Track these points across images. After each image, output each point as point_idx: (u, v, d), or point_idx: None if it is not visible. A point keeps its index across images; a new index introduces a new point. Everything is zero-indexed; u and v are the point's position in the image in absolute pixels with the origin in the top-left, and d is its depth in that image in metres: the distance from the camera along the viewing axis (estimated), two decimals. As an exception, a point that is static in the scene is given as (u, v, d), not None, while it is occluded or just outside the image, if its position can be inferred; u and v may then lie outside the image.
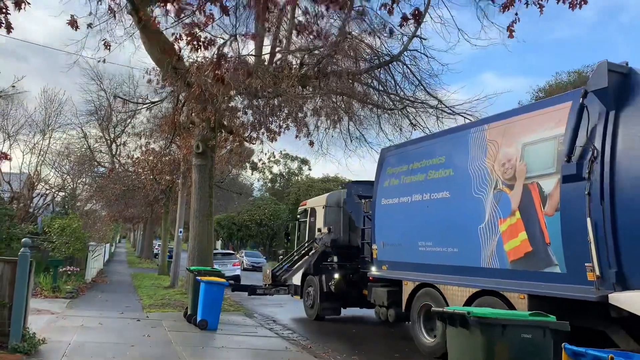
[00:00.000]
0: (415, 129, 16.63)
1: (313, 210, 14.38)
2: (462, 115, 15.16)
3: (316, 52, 12.14)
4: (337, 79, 12.21)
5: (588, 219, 6.57)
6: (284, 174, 70.09)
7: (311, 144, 13.38)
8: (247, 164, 40.29)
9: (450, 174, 9.27)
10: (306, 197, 36.23)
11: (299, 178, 67.78)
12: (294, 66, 11.53)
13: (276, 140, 13.29)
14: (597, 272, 6.48)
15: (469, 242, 8.61)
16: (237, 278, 24.45)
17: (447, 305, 8.90)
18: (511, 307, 7.64)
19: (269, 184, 70.72)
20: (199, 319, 10.58)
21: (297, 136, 13.61)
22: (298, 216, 15.46)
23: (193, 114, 15.48)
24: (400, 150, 11.10)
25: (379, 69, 15.00)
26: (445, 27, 12.51)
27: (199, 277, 10.64)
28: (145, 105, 15.23)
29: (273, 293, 12.93)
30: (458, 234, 8.89)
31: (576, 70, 21.54)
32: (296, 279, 14.94)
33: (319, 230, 13.25)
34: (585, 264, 6.70)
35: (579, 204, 6.78)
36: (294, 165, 68.50)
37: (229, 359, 8.20)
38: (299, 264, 13.42)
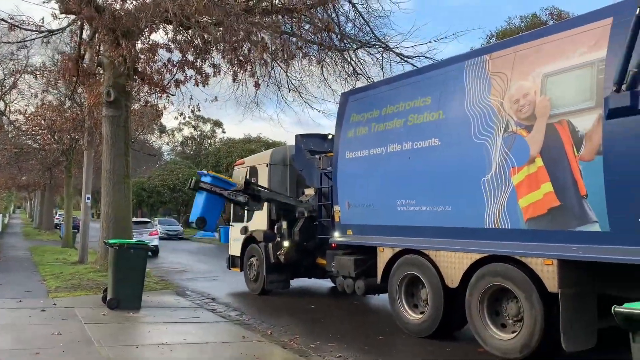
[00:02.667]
0: (358, 79, 14.97)
1: (253, 170, 12.33)
2: (418, 59, 13.66)
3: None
4: (288, 13, 10.11)
5: (651, 163, 5.16)
6: (196, 136, 66.25)
7: (257, 85, 11.24)
8: (155, 126, 36.97)
9: (440, 117, 7.60)
10: (228, 159, 33.80)
11: (212, 141, 64.44)
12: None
13: (207, 84, 10.98)
14: (660, 229, 5.12)
15: (468, 198, 7.05)
16: (155, 249, 21.98)
17: (440, 275, 7.41)
18: (533, 275, 6.21)
19: (179, 148, 66.71)
20: (109, 297, 8.95)
21: (234, 79, 11.35)
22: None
23: (100, 54, 12.74)
24: (369, 92, 9.27)
25: (323, 5, 12.98)
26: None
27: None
28: (40, 35, 12.20)
29: (240, 201, 10.46)
30: (452, 189, 7.30)
31: (532, 14, 20.81)
32: (234, 249, 12.96)
33: (303, 192, 11.26)
34: (639, 220, 5.33)
35: (633, 145, 5.36)
36: (207, 127, 64.89)
37: (174, 360, 6.19)
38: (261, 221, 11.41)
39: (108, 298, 9.05)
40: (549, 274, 6.04)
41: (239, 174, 12.97)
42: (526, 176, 6.38)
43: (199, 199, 10.38)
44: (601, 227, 5.65)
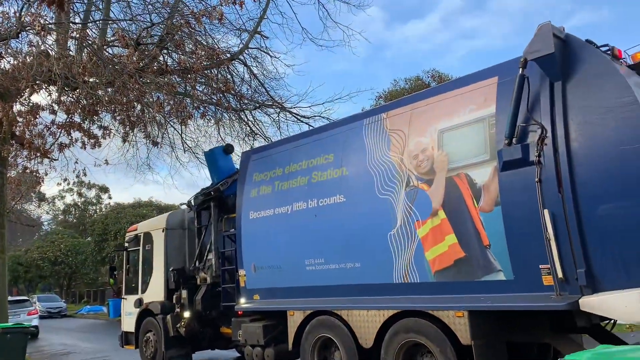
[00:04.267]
0: (256, 139, 14.96)
1: (148, 236, 11.57)
2: (314, 119, 13.91)
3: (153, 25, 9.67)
4: (182, 74, 9.87)
5: (545, 211, 5.44)
6: (79, 203, 62.05)
7: (154, 143, 10.68)
8: (33, 194, 34.20)
9: (344, 174, 7.63)
10: (116, 225, 31.81)
11: (97, 207, 60.66)
12: (130, 43, 8.86)
13: (99, 145, 10.29)
14: (560, 274, 5.36)
15: (376, 254, 7.03)
16: (35, 331, 19.71)
17: (354, 335, 7.21)
18: (445, 329, 6.21)
19: (61, 216, 62.03)
20: None
21: (124, 140, 10.74)
22: (127, 244, 12.39)
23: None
24: (272, 151, 9.14)
25: (218, 67, 12.93)
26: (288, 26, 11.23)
27: None
28: None
29: None
30: (360, 245, 7.26)
31: (416, 77, 22.21)
32: (127, 325, 11.90)
33: (206, 256, 10.48)
34: (540, 266, 5.56)
35: (527, 195, 5.64)
36: (92, 193, 61.09)
37: None
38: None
39: (-23, 395, 7.81)
40: (460, 326, 6.06)
41: (131, 241, 12.14)
42: (430, 229, 6.49)
43: None
44: (505, 276, 5.82)
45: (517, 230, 5.74)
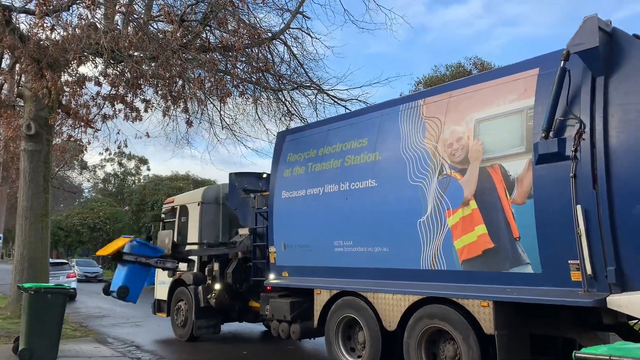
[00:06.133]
0: (292, 119, 15.09)
1: (184, 209, 11.91)
2: (351, 102, 13.94)
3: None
4: (224, 51, 10.03)
5: (578, 207, 5.39)
6: (119, 173, 63.68)
7: (189, 123, 10.94)
8: (76, 162, 35.26)
9: (377, 159, 7.69)
10: (154, 197, 32.64)
11: (136, 178, 62.19)
12: (174, 19, 9.05)
13: (140, 119, 10.60)
14: (589, 271, 5.33)
15: (404, 239, 7.10)
16: (73, 293, 20.55)
17: (378, 317, 7.33)
18: (470, 317, 6.26)
19: (101, 185, 63.88)
20: (21, 347, 8.01)
21: (165, 114, 11.04)
22: (163, 215, 12.78)
23: (21, 85, 12.06)
24: (306, 133, 9.26)
25: (259, 47, 13.05)
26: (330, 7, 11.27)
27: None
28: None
29: (155, 264, 9.59)
30: (389, 230, 7.34)
31: (457, 63, 21.90)
32: (160, 293, 12.33)
33: (237, 232, 10.79)
34: (569, 262, 5.54)
35: (561, 189, 5.60)
36: (131, 164, 62.62)
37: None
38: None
39: (20, 348, 8.24)
40: (485, 316, 6.11)
41: (168, 213, 12.51)
42: (461, 218, 6.51)
43: (122, 268, 9.24)
44: (533, 269, 5.82)
45: (548, 225, 5.71)
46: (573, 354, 2.87)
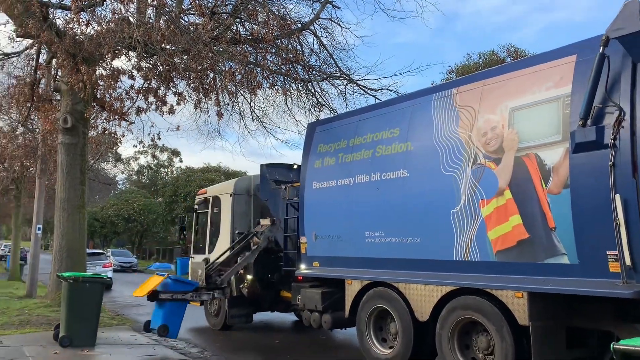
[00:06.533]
0: (322, 110, 15.07)
1: (216, 200, 12.07)
2: (381, 92, 13.85)
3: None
4: (254, 43, 10.08)
5: (617, 196, 5.26)
6: (152, 165, 64.85)
7: (220, 115, 11.06)
8: (110, 155, 36.02)
9: (409, 149, 7.63)
10: (186, 188, 33.16)
11: (169, 170, 63.27)
12: (205, 12, 9.15)
13: (173, 112, 10.74)
14: (628, 262, 5.20)
15: (437, 230, 7.04)
16: (109, 282, 21.07)
17: (410, 308, 7.31)
18: (503, 308, 6.19)
19: (135, 177, 65.21)
20: (61, 333, 8.39)
21: (196, 106, 11.18)
22: (196, 206, 12.99)
23: (58, 80, 12.35)
24: (336, 123, 9.26)
25: (288, 38, 13.06)
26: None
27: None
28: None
29: (191, 297, 9.37)
30: (421, 221, 7.29)
31: (491, 51, 21.53)
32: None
33: (259, 222, 10.88)
34: (607, 252, 5.41)
35: (599, 179, 5.47)
36: (164, 156, 63.69)
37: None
38: (238, 262, 10.52)
39: (60, 335, 8.53)
40: (519, 307, 6.02)
41: (200, 204, 12.68)
42: (495, 208, 6.42)
43: (159, 306, 9.06)
44: (570, 260, 5.71)
45: (585, 214, 5.59)
46: (611, 345, 2.82)
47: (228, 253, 10.59)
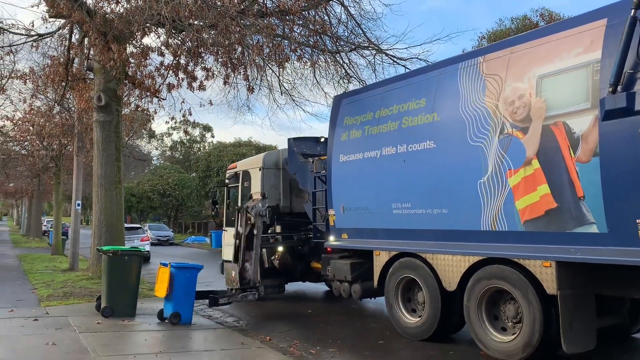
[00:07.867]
0: (350, 82, 14.98)
1: (246, 174, 12.26)
2: (411, 61, 13.69)
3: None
4: (281, 15, 10.06)
5: (648, 164, 5.17)
6: (185, 141, 65.83)
7: (250, 89, 11.15)
8: (145, 131, 36.71)
9: (435, 119, 7.59)
10: (218, 163, 33.63)
11: (201, 145, 64.16)
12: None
13: (204, 89, 10.89)
14: (659, 230, 5.13)
15: (464, 201, 7.04)
16: (147, 255, 21.75)
17: (437, 278, 7.39)
18: (531, 277, 6.21)
19: (168, 153, 66.39)
20: (103, 304, 8.84)
21: (225, 82, 11.28)
22: (227, 181, 13.22)
23: (90, 58, 12.62)
24: (362, 95, 9.24)
25: (315, 8, 12.97)
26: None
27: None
28: (29, 39, 12.00)
29: (241, 299, 9.74)
30: (448, 191, 7.29)
31: (523, 15, 20.92)
32: (227, 254, 12.82)
33: (250, 197, 11.04)
34: (638, 221, 5.34)
35: (629, 146, 5.37)
36: (196, 132, 64.52)
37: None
38: (252, 257, 10.68)
39: (102, 306, 8.94)
40: (547, 276, 6.03)
41: (231, 178, 12.89)
42: (523, 178, 6.38)
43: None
44: (599, 229, 5.66)
45: (614, 183, 5.51)
46: None
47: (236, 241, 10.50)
